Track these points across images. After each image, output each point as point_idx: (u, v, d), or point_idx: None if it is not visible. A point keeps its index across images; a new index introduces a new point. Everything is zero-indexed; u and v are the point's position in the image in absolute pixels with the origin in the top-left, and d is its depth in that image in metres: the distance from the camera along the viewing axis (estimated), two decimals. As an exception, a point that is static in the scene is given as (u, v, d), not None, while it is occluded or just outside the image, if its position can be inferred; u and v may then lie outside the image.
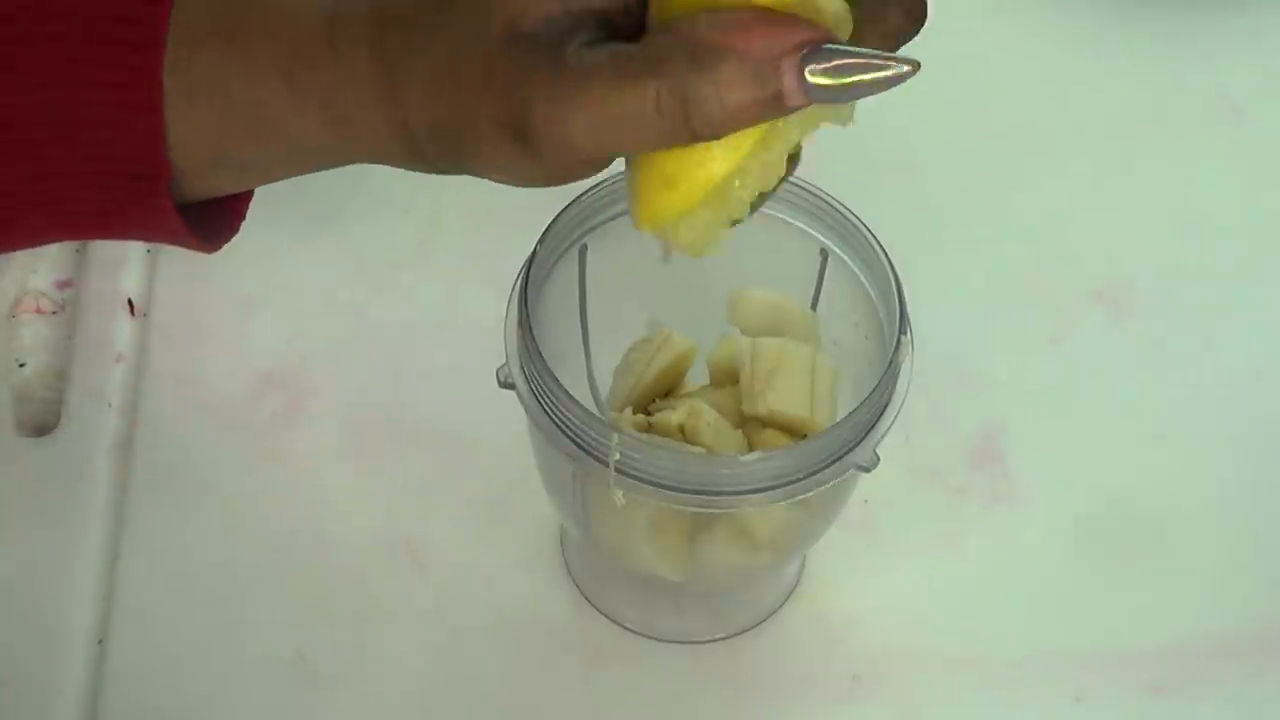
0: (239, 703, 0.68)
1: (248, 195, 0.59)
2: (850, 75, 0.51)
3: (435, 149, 0.54)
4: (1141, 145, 0.85)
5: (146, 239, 0.58)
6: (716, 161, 0.53)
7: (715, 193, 0.53)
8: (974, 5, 0.87)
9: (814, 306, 0.68)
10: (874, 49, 0.51)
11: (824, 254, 0.67)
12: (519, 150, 0.52)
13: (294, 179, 0.57)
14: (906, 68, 0.51)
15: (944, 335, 0.70)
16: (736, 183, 0.53)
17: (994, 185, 0.82)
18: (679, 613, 0.71)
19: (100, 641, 0.69)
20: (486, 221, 0.79)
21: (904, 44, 0.53)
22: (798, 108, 0.51)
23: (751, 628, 0.71)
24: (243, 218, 0.60)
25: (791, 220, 0.66)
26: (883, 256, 0.64)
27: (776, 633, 0.71)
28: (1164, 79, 0.87)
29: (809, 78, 0.51)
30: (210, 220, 0.58)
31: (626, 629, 0.70)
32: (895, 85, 0.51)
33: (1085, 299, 0.79)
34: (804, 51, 0.51)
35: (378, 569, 0.71)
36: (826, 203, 0.66)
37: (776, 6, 0.51)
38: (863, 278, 0.66)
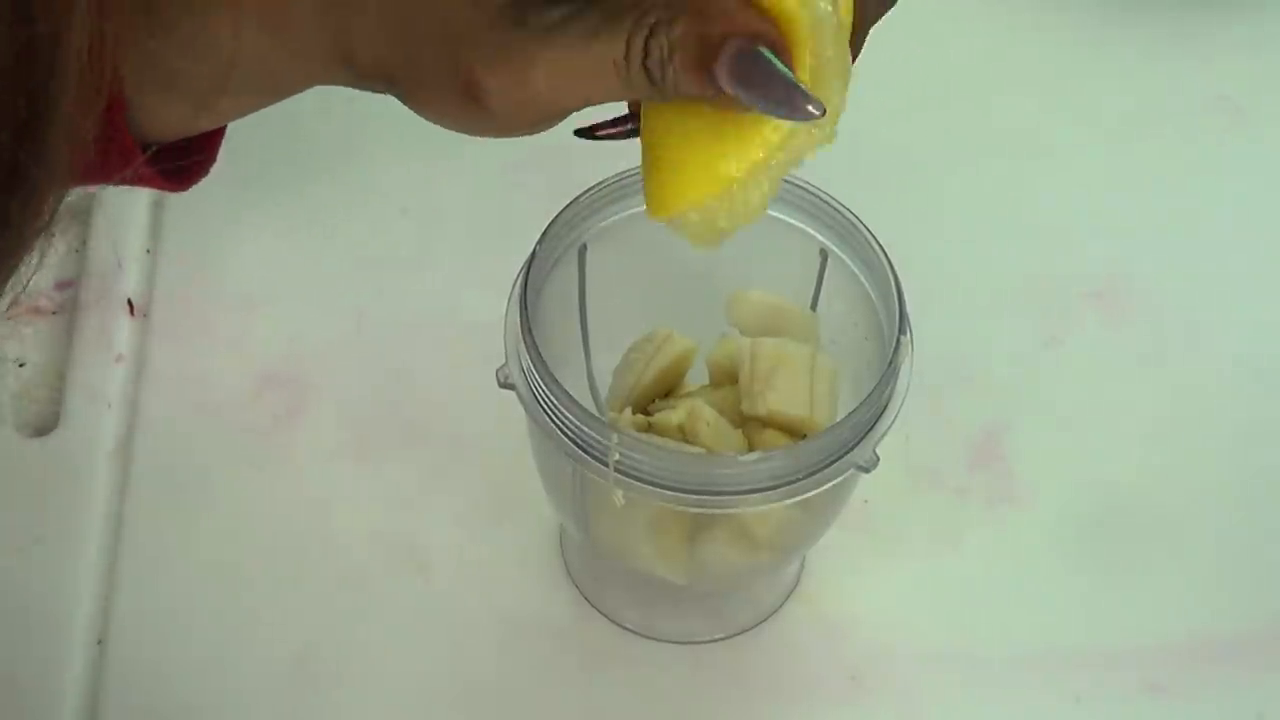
0: (239, 703, 0.68)
1: (214, 141, 0.57)
2: (753, 89, 0.51)
3: (383, 87, 0.53)
4: (1141, 145, 0.85)
5: (103, 177, 0.55)
6: (730, 160, 0.53)
7: (725, 192, 0.53)
8: (973, 5, 0.87)
9: (814, 306, 0.68)
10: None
11: (824, 254, 0.67)
12: (469, 106, 0.52)
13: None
14: (815, 113, 0.51)
15: (944, 335, 0.70)
16: (748, 184, 0.53)
17: (993, 185, 0.82)
18: (679, 613, 0.71)
19: (100, 641, 0.69)
20: (486, 221, 0.80)
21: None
22: (719, 95, 0.51)
23: (751, 628, 0.71)
24: (211, 161, 0.57)
25: (791, 220, 0.66)
26: (883, 256, 0.64)
27: (776, 633, 0.71)
28: (1164, 79, 0.87)
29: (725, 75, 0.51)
30: (179, 163, 0.56)
31: (626, 629, 0.70)
32: (796, 120, 0.51)
33: (1085, 299, 0.79)
34: (739, 45, 0.50)
35: (378, 569, 0.71)
36: (826, 203, 0.66)
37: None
38: (863, 278, 0.66)
